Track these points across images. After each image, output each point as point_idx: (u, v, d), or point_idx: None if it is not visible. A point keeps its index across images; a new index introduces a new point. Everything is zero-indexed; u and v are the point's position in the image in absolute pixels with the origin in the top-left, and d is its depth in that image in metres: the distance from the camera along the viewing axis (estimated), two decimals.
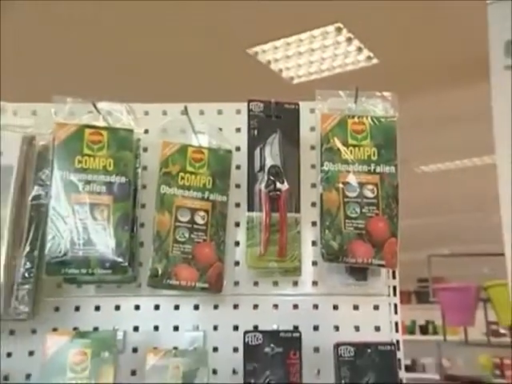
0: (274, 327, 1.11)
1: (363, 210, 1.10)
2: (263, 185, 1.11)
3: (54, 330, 1.09)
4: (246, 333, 1.06)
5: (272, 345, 1.05)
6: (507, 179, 1.92)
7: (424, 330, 6.93)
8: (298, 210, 1.12)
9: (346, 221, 1.09)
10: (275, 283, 1.18)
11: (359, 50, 3.63)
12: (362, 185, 1.11)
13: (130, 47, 3.44)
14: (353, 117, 1.15)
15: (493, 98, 1.99)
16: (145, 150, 1.23)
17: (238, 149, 1.21)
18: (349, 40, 3.53)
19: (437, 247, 4.67)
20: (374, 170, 1.12)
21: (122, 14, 3.12)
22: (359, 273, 1.13)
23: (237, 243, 1.19)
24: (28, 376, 1.13)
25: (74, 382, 1.00)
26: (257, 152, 1.14)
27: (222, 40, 3.39)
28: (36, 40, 3.33)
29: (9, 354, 1.16)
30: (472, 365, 5.32)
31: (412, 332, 6.94)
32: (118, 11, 3.08)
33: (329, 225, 1.09)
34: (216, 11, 3.07)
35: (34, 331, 1.16)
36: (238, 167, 1.21)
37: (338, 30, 3.41)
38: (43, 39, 3.36)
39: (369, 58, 3.70)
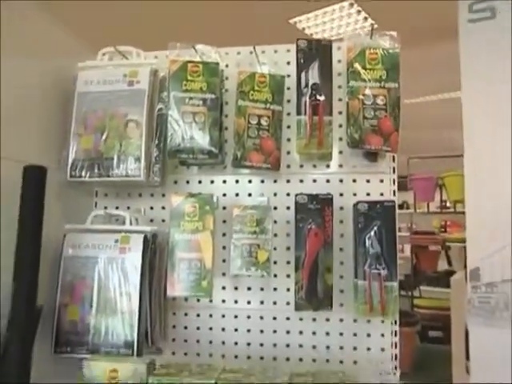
0: (314, 193, 1.04)
1: (376, 113, 0.98)
2: (307, 96, 1.00)
3: (175, 193, 1.06)
4: (296, 195, 1.01)
5: (314, 202, 0.99)
6: (470, 107, 1.75)
7: (401, 206, 6.78)
8: (330, 115, 1.01)
9: (364, 120, 0.97)
10: (314, 166, 1.10)
11: (365, 19, 3.29)
12: (375, 96, 0.98)
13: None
14: (369, 48, 1.01)
15: (459, 44, 1.74)
16: (226, 78, 1.12)
17: (288, 75, 1.09)
18: (358, 12, 3.20)
19: (413, 152, 4.43)
20: (384, 85, 0.99)
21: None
22: (372, 156, 1.04)
23: (288, 139, 1.10)
24: (163, 220, 1.14)
25: (189, 222, 0.99)
26: (303, 74, 1.01)
27: (274, 13, 3.11)
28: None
29: (151, 208, 1.15)
30: (429, 225, 5.35)
31: None
32: None
33: (352, 123, 0.98)
34: None
35: (163, 194, 1.15)
36: (288, 88, 1.09)
37: (351, 5, 3.09)
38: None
39: (372, 24, 3.36)
